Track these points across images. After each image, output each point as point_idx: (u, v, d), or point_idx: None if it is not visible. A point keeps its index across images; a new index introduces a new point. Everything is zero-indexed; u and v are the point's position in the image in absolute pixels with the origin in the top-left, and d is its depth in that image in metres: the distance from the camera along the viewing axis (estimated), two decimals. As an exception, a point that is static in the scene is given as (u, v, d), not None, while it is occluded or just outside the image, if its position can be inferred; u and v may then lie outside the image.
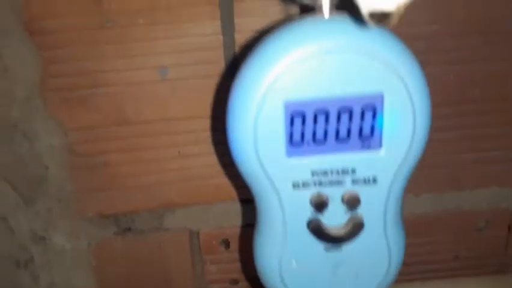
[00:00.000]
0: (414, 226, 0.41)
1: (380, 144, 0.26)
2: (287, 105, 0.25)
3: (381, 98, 0.25)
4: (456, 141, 0.39)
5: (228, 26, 0.34)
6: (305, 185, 0.26)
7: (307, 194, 0.27)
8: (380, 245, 0.28)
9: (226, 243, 0.41)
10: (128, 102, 0.36)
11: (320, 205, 0.27)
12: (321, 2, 0.25)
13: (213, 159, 0.38)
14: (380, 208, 0.27)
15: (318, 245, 0.28)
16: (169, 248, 0.41)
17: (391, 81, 0.24)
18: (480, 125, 0.39)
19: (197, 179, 0.39)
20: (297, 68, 0.24)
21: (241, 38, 0.34)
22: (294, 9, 0.34)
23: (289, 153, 0.26)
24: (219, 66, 0.35)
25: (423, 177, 0.39)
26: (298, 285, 0.29)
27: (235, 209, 0.40)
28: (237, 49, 0.35)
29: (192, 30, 0.34)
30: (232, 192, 0.39)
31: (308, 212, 0.27)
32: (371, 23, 0.19)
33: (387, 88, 0.24)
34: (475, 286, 0.42)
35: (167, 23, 0.33)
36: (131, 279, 0.42)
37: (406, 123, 0.25)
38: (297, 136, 0.25)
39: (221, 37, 0.34)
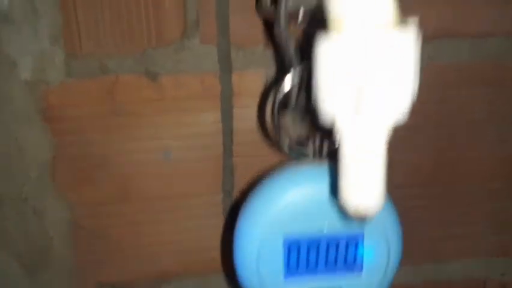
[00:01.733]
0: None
1: (361, 269, 0.31)
2: (286, 239, 0.30)
3: (362, 235, 0.30)
4: (429, 220, 0.42)
5: (227, 116, 0.37)
6: None
7: None
8: None
9: (222, 312, 0.42)
10: (133, 181, 0.37)
11: None
12: (311, 151, 0.30)
13: (209, 233, 0.40)
14: None
15: None
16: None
17: (371, 224, 0.30)
18: (450, 205, 0.42)
19: (192, 252, 0.40)
20: (293, 208, 0.29)
21: (239, 125, 0.37)
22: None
23: (287, 276, 0.30)
24: (218, 150, 0.37)
25: (405, 250, 0.42)
26: None
27: (227, 282, 0.42)
28: (234, 137, 0.37)
29: (194, 119, 0.36)
30: (225, 266, 0.41)
31: None
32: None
33: (368, 229, 0.30)
34: None
35: (173, 111, 0.36)
36: None
37: (382, 253, 0.31)
38: (293, 262, 0.30)
39: (220, 125, 0.37)
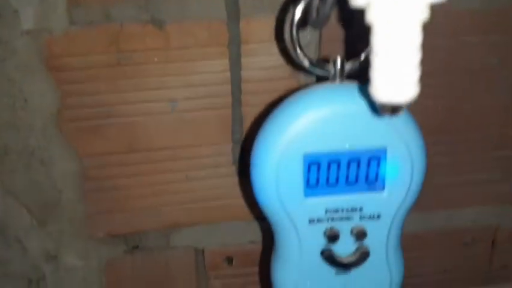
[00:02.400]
0: (405, 242, 0.44)
1: (383, 187, 0.30)
2: (305, 157, 0.28)
3: (384, 151, 0.29)
4: (443, 166, 0.42)
5: (235, 64, 0.36)
6: (320, 221, 0.30)
7: (322, 228, 0.30)
8: (383, 269, 0.32)
9: (230, 260, 0.43)
10: (139, 131, 0.37)
11: (332, 238, 0.30)
12: (333, 72, 0.29)
13: (217, 182, 0.40)
14: (383, 239, 0.31)
15: (329, 270, 0.31)
16: (175, 265, 0.42)
17: (393, 138, 0.28)
18: (465, 151, 0.41)
19: (202, 200, 0.40)
20: (313, 126, 0.28)
21: (247, 74, 0.36)
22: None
23: (307, 194, 0.29)
24: (226, 100, 0.37)
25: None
26: None
27: (238, 228, 0.42)
28: (242, 86, 0.37)
29: (202, 68, 0.36)
30: (236, 213, 0.41)
31: (322, 243, 0.31)
32: (383, 114, 0.22)
33: (390, 143, 0.29)
34: None
35: (179, 61, 0.35)
36: None
37: (405, 170, 0.29)
38: (313, 180, 0.29)
39: (228, 74, 0.36)
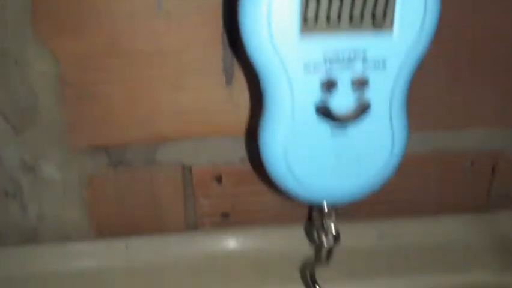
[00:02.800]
0: (404, 164, 0.42)
1: (391, 25, 0.26)
2: None
3: None
4: (448, 82, 0.40)
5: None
6: (316, 67, 0.27)
7: (318, 77, 0.27)
8: (384, 130, 0.29)
9: (218, 179, 0.42)
10: (122, 33, 0.35)
11: (329, 85, 0.27)
12: None
13: (206, 93, 0.38)
14: (387, 93, 0.28)
15: (324, 130, 0.28)
16: (161, 182, 0.41)
17: None
18: (471, 66, 0.39)
19: (190, 112, 0.38)
20: None
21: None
22: None
23: (303, 32, 0.26)
24: (216, 0, 0.34)
25: (416, 115, 0.40)
26: (303, 170, 0.30)
27: (227, 144, 0.40)
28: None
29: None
30: (225, 128, 0.39)
31: (317, 95, 0.28)
32: None
33: None
34: (458, 223, 0.44)
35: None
36: (122, 212, 0.42)
37: (417, 5, 0.26)
38: (311, 14, 0.26)
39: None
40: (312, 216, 0.42)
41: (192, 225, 0.43)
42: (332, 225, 0.32)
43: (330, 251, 0.33)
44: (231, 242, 0.42)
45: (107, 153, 0.39)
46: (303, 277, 0.38)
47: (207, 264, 0.41)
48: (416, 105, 0.39)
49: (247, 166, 0.41)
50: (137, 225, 0.42)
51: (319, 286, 0.36)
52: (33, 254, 0.41)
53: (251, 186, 0.42)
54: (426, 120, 0.41)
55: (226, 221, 0.43)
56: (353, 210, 0.43)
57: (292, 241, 0.42)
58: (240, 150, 0.41)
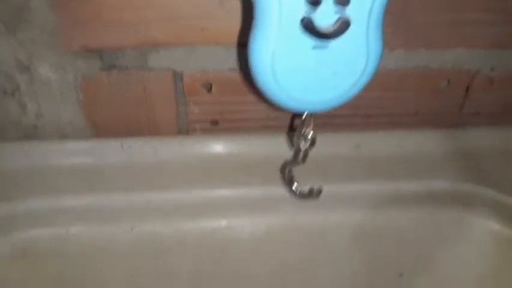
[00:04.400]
0: (383, 80, 0.44)
1: None
2: None
3: None
4: (426, 3, 0.40)
5: None
6: None
7: None
8: (361, 45, 0.31)
9: (209, 87, 0.43)
10: None
11: (313, 2, 0.29)
12: None
13: None
14: (365, 10, 0.30)
15: (307, 42, 0.30)
16: (153, 88, 0.42)
17: None
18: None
19: (182, 18, 0.39)
20: None
21: None
22: None
23: None
24: None
25: (401, 33, 0.41)
26: (288, 80, 0.32)
27: (219, 53, 0.41)
28: None
29: None
30: (217, 36, 0.40)
31: (303, 9, 0.29)
32: None
33: None
34: (431, 138, 0.46)
35: None
36: (116, 115, 0.43)
37: None
38: None
39: None
40: (293, 126, 0.45)
41: (184, 130, 0.45)
42: (310, 131, 0.36)
43: (306, 154, 0.37)
44: (219, 147, 0.44)
45: (100, 56, 0.40)
46: (283, 176, 0.41)
47: (197, 166, 0.43)
48: (401, 23, 0.41)
49: (237, 76, 0.42)
50: (132, 128, 0.44)
51: (296, 181, 0.39)
52: (34, 150, 0.42)
53: (240, 96, 0.43)
54: (410, 38, 0.42)
55: (215, 128, 0.45)
56: (335, 123, 0.45)
57: (274, 147, 0.44)
58: (230, 60, 0.41)
